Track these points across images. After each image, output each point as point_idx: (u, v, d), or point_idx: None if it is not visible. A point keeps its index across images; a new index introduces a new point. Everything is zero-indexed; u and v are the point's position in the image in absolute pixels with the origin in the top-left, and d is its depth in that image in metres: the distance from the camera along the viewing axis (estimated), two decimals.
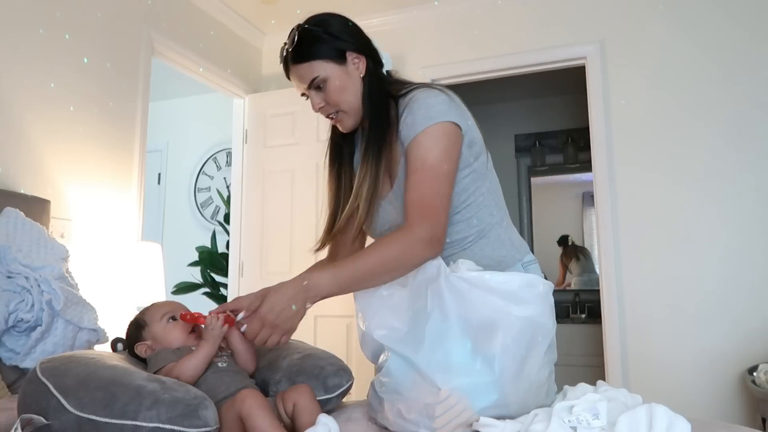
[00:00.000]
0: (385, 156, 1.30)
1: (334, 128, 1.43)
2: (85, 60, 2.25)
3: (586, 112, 3.01)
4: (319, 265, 1.48)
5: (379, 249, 1.17)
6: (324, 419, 1.06)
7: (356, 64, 1.32)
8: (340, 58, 1.30)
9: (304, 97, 1.36)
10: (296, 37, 1.30)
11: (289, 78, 1.36)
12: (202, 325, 1.30)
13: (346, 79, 1.30)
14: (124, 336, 1.43)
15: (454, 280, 1.13)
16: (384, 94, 1.34)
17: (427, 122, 1.21)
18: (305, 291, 1.15)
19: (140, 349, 1.32)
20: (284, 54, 1.33)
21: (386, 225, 1.34)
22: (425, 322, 1.11)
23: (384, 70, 1.39)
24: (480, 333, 1.09)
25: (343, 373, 1.37)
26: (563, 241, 4.32)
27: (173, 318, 1.34)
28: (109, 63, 2.62)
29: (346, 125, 1.34)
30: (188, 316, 1.29)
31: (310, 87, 1.31)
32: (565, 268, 4.31)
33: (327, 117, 1.35)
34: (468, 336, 1.09)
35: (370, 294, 1.18)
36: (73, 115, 2.43)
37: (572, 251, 4.31)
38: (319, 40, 1.29)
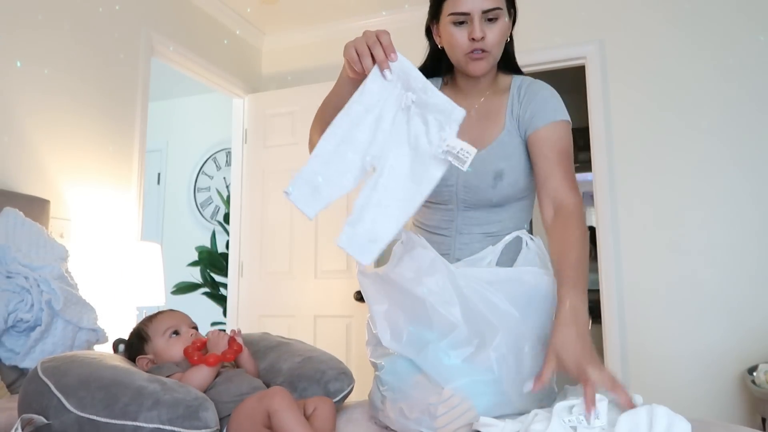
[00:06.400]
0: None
1: None
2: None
3: (586, 112, 3.01)
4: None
5: (576, 238, 1.17)
6: None
7: (511, 25, 1.36)
8: (511, 15, 1.34)
9: (457, 19, 1.28)
10: None
11: None
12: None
13: (507, 31, 1.33)
14: (125, 338, 1.43)
15: (458, 278, 1.12)
16: (507, 65, 1.42)
17: (566, 116, 1.32)
18: (585, 329, 1.07)
19: (141, 362, 1.32)
20: None
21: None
22: (428, 321, 1.11)
23: None
24: (484, 332, 1.09)
25: (344, 377, 1.37)
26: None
27: (176, 332, 1.34)
28: (109, 63, 2.62)
29: (484, 68, 1.31)
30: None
31: (487, 11, 1.26)
32: None
33: (471, 51, 1.28)
34: (471, 335, 1.09)
35: (381, 297, 1.18)
36: (73, 114, 2.43)
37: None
38: None
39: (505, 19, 1.29)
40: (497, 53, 1.31)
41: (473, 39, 1.26)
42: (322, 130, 1.14)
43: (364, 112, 1.04)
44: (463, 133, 1.33)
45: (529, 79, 1.39)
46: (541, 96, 1.33)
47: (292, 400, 1.10)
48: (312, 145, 1.30)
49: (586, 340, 1.04)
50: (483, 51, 1.28)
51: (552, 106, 1.31)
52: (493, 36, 1.27)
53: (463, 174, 1.30)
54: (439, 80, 1.44)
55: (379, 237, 1.01)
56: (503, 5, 1.29)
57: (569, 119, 1.33)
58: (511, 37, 1.39)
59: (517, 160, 1.31)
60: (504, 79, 1.41)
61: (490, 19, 1.27)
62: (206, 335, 1.32)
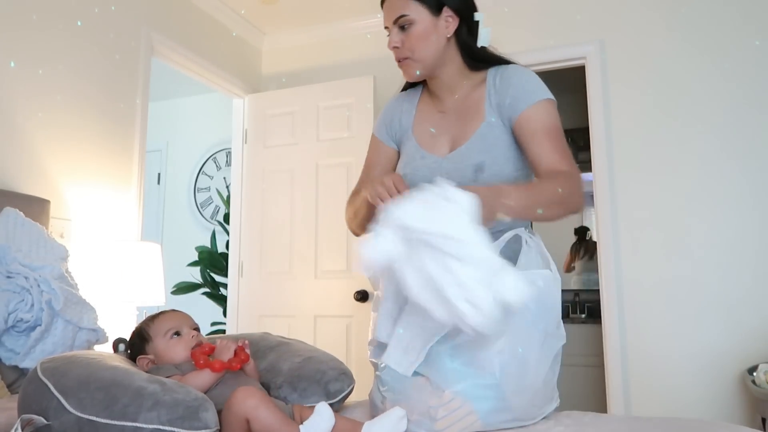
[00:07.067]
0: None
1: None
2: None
3: (586, 112, 3.01)
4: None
5: (557, 181, 1.17)
6: (321, 407, 1.07)
7: (448, 23, 1.33)
8: (435, 9, 1.31)
9: (387, 31, 1.37)
10: None
11: (382, 5, 1.38)
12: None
13: (431, 31, 1.31)
14: (125, 337, 1.42)
15: None
16: (471, 60, 1.37)
17: (548, 94, 1.30)
18: (498, 191, 1.10)
19: (142, 362, 1.32)
20: None
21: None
22: (428, 323, 1.11)
23: (479, 46, 1.40)
24: (487, 335, 1.08)
25: (344, 377, 1.37)
26: (581, 231, 4.32)
27: (177, 333, 1.33)
28: (109, 63, 2.62)
29: (411, 74, 1.36)
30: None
31: (395, 23, 1.32)
32: (573, 259, 4.33)
33: (396, 60, 1.36)
34: (474, 338, 1.09)
35: (381, 301, 1.18)
36: (73, 115, 2.42)
37: (583, 247, 4.31)
38: None
39: (421, 22, 1.30)
40: (423, 57, 1.32)
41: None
42: (356, 218, 1.34)
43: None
44: (445, 132, 1.39)
45: (503, 66, 1.38)
46: (518, 79, 1.31)
47: (264, 397, 1.09)
48: (348, 222, 1.43)
49: (500, 197, 1.07)
50: (405, 59, 1.33)
51: (531, 87, 1.30)
52: (407, 42, 1.31)
53: (444, 171, 1.31)
54: (420, 87, 1.49)
55: (414, 351, 1.13)
56: (414, 12, 1.29)
57: (552, 97, 1.31)
58: (460, 32, 1.35)
59: (500, 150, 1.30)
60: (477, 73, 1.40)
61: (402, 27, 1.31)
62: (216, 342, 1.32)
